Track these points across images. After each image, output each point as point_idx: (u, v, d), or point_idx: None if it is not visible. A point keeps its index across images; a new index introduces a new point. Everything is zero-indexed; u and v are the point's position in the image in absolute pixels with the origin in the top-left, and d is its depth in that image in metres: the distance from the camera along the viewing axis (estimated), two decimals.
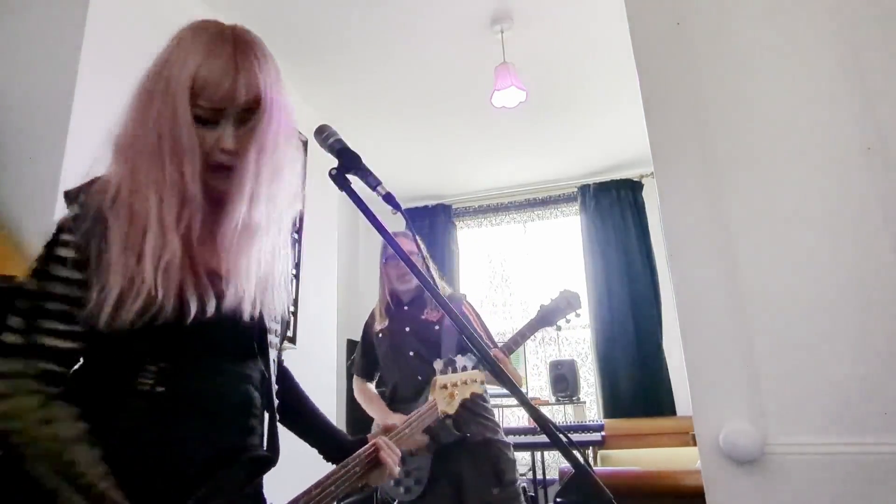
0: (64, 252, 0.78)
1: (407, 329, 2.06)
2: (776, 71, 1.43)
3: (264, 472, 0.88)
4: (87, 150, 0.92)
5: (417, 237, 1.14)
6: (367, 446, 1.07)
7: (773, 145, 1.40)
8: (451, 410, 1.42)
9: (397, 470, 1.09)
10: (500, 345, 1.96)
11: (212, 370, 0.85)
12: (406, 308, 2.11)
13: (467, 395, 1.47)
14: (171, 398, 0.79)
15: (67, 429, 0.73)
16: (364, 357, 2.18)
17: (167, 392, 0.79)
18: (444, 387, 1.43)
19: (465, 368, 1.52)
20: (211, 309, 0.81)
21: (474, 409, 1.94)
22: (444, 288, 2.17)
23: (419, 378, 1.98)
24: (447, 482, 1.88)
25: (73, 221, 0.79)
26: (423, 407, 1.40)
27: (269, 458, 0.88)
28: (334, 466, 1.02)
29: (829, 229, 1.31)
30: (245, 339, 0.90)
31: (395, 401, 2.03)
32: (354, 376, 2.21)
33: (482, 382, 1.53)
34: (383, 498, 1.97)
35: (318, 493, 0.94)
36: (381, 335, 2.11)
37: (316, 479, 0.96)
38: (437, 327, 2.03)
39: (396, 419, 1.76)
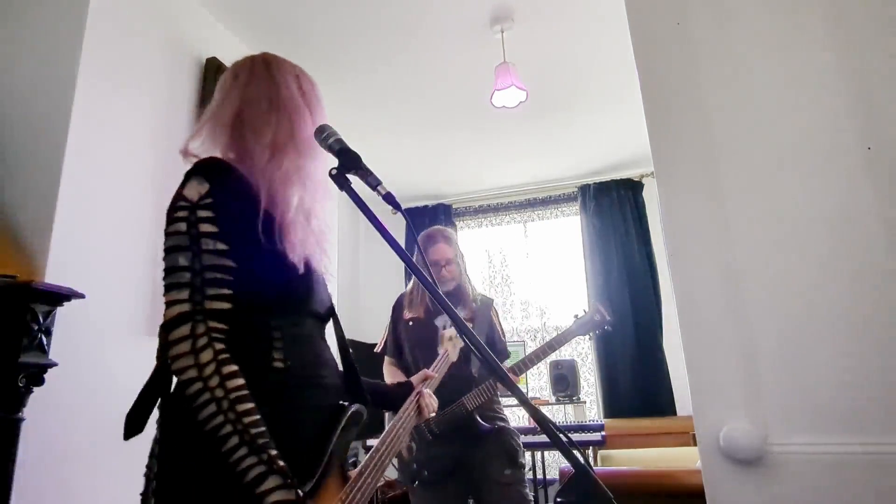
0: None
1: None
2: (776, 70, 1.43)
3: (361, 422, 1.01)
4: (87, 150, 0.92)
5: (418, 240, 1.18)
6: (414, 393, 1.31)
7: (773, 145, 1.40)
8: (455, 358, 1.64)
9: (432, 414, 1.33)
10: (535, 347, 2.15)
11: (311, 334, 0.99)
12: None
13: (461, 344, 1.67)
14: (294, 372, 0.91)
15: (238, 383, 0.81)
16: (393, 337, 2.27)
17: (292, 365, 0.91)
18: (451, 338, 1.65)
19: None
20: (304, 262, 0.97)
21: (491, 401, 2.10)
22: (474, 290, 2.26)
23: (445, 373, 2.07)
24: (465, 469, 2.03)
25: None
26: (441, 357, 1.57)
27: (362, 412, 1.02)
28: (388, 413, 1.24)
29: (829, 229, 1.31)
30: (327, 296, 1.07)
31: None
32: (385, 357, 2.30)
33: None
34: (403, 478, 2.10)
35: (394, 434, 1.14)
36: (411, 323, 2.19)
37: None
38: (469, 326, 2.10)
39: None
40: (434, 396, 1.34)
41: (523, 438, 3.43)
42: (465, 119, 3.75)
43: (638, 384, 4.11)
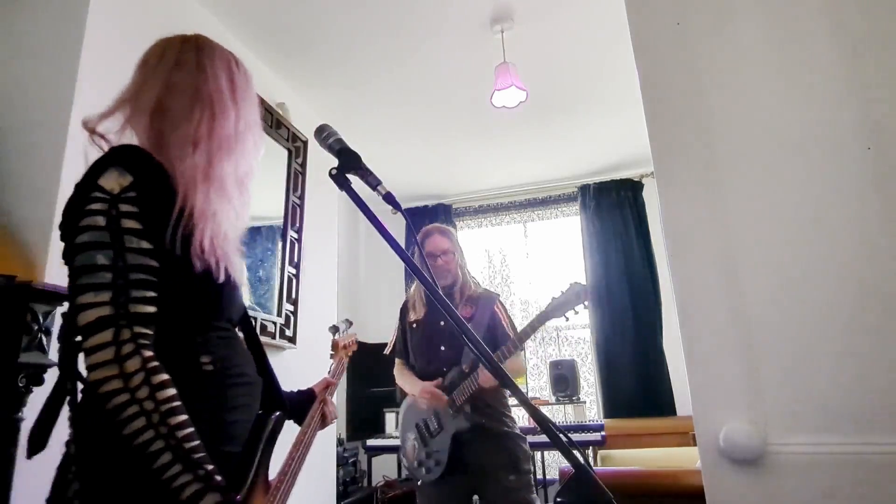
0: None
1: (441, 323, 2.17)
2: (776, 71, 1.43)
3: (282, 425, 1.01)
4: (87, 150, 0.92)
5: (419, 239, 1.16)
6: (317, 402, 1.27)
7: (772, 145, 1.40)
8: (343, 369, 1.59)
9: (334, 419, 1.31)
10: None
11: (230, 334, 0.95)
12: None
13: (353, 350, 1.61)
14: (223, 373, 0.88)
15: (169, 393, 0.77)
16: (401, 342, 2.32)
17: (221, 367, 0.88)
18: (345, 346, 1.58)
19: (345, 330, 1.64)
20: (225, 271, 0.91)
21: (495, 404, 2.09)
22: (476, 286, 2.28)
23: (445, 371, 2.12)
24: (466, 468, 2.02)
25: None
26: (336, 366, 1.51)
27: (283, 420, 1.01)
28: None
29: (828, 229, 1.31)
30: (241, 300, 1.01)
31: None
32: (396, 359, 2.34)
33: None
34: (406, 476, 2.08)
35: (304, 443, 1.14)
36: (414, 325, 2.24)
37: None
38: (468, 324, 2.11)
39: (427, 384, 2.06)
40: (334, 404, 1.33)
41: None
42: (466, 119, 3.75)
43: (638, 384, 4.11)
